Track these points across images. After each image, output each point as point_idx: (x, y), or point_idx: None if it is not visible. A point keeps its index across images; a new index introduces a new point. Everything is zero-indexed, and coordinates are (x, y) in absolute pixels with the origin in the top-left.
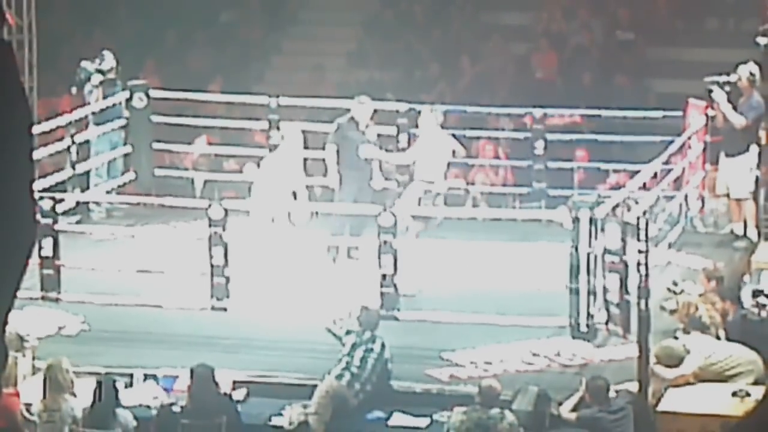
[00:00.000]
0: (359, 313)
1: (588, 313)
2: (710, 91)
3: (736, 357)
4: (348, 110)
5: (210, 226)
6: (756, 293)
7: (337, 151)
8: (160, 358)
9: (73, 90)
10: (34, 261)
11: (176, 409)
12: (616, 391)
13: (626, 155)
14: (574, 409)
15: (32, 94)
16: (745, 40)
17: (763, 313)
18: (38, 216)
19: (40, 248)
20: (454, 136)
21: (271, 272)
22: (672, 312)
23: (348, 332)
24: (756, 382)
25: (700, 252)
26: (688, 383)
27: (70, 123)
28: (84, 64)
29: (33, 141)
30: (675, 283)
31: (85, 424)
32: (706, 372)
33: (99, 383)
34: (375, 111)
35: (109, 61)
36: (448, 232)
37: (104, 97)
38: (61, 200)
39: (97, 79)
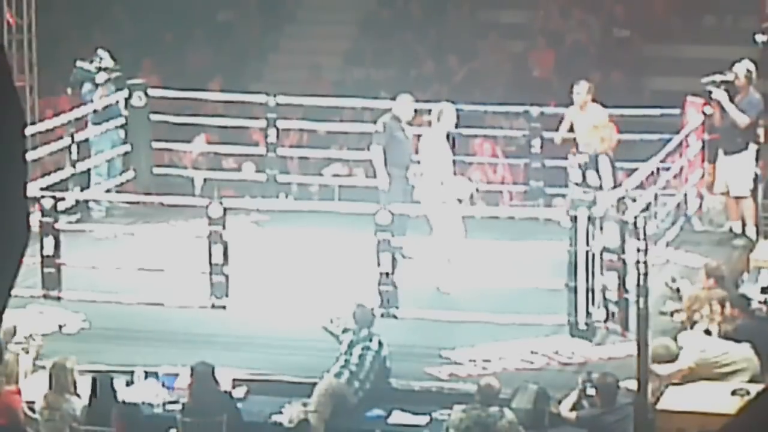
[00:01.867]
0: (354, 311)
1: (587, 312)
2: (710, 92)
3: (732, 354)
4: (389, 109)
5: (209, 224)
6: (765, 290)
7: (384, 151)
8: (161, 356)
9: (68, 90)
10: (35, 259)
11: (177, 407)
12: (617, 387)
13: (624, 153)
14: (573, 408)
15: (32, 93)
16: (744, 37)
17: None
18: (40, 215)
19: (42, 247)
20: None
21: (271, 270)
22: (672, 314)
23: (345, 330)
24: (752, 380)
25: (699, 250)
26: (684, 380)
27: (70, 122)
28: (80, 63)
29: (26, 142)
30: (673, 279)
31: (84, 422)
32: (701, 368)
33: (95, 380)
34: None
35: (107, 60)
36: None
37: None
38: (62, 199)
39: (102, 77)
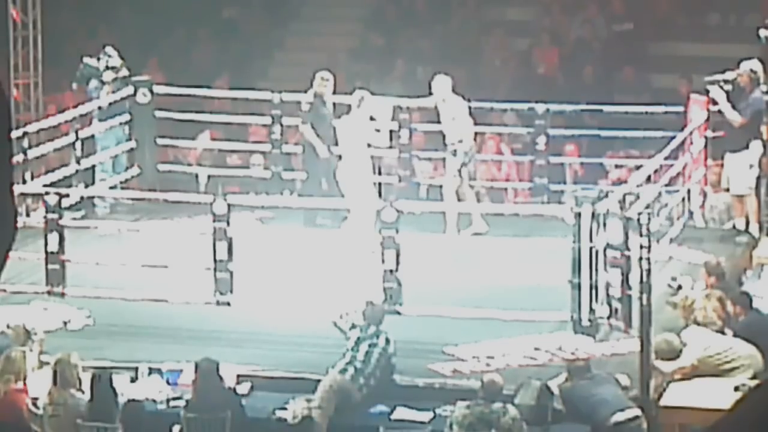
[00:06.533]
0: (364, 308)
1: (590, 308)
2: (707, 91)
3: (735, 351)
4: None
5: (214, 221)
6: None
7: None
8: (165, 353)
9: (74, 86)
10: (39, 256)
11: (181, 403)
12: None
13: (628, 150)
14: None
15: (37, 90)
16: (748, 35)
17: None
18: (44, 211)
19: (46, 243)
20: None
21: (275, 267)
22: (675, 306)
23: (353, 327)
24: (755, 377)
25: (702, 247)
26: (687, 377)
27: (75, 118)
28: (86, 60)
29: (12, 144)
30: (674, 279)
31: (87, 418)
32: (704, 365)
33: (94, 377)
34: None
35: (115, 58)
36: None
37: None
38: (66, 195)
39: (110, 76)
